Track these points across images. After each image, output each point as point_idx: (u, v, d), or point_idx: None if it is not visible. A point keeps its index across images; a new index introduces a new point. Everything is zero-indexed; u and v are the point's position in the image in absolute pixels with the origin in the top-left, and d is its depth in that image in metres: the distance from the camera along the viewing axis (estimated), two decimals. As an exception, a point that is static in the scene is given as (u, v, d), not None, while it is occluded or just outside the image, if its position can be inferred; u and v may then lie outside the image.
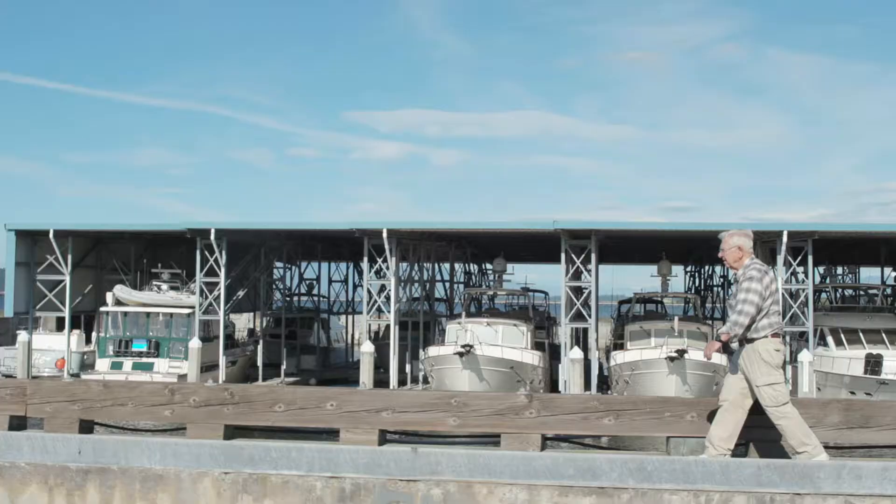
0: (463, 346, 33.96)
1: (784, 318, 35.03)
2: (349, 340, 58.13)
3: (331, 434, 9.18)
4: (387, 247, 36.71)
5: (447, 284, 51.58)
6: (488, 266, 59.74)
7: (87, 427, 9.13)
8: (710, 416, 8.36)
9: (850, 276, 45.55)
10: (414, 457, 7.28)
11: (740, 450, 8.21)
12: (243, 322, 60.60)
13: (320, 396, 8.79)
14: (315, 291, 54.66)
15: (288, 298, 50.78)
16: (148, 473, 7.57)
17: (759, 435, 8.16)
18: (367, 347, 37.39)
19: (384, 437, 8.64)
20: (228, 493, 7.44)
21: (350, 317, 57.36)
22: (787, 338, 36.05)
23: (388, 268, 37.49)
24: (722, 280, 50.90)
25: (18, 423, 9.26)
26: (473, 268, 57.25)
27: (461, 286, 54.57)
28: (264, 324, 51.52)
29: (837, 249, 43.25)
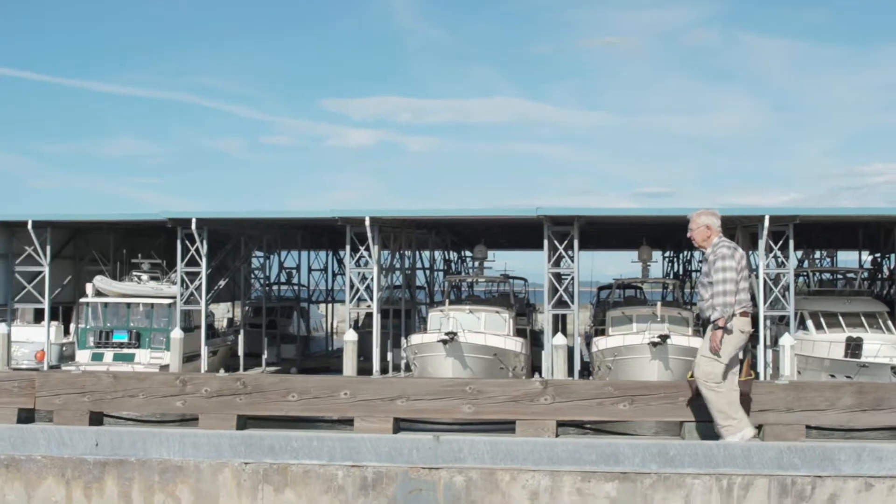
0: (447, 334, 33.95)
1: (766, 302, 35.36)
2: (329, 329, 58.01)
3: (342, 423, 9.19)
4: (369, 235, 36.60)
5: (427, 272, 51.52)
6: (467, 253, 59.80)
7: (96, 419, 9.09)
8: (724, 401, 8.42)
9: (828, 260, 45.87)
10: (436, 444, 7.30)
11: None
12: (221, 312, 60.37)
13: (334, 385, 8.80)
14: (294, 280, 54.52)
15: (267, 287, 50.54)
16: (167, 465, 7.55)
17: (774, 418, 8.24)
18: (351, 336, 37.29)
19: (398, 426, 8.66)
20: (249, 483, 7.43)
21: (329, 305, 57.21)
22: (768, 322, 36.28)
23: (370, 256, 37.40)
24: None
25: (26, 416, 9.21)
26: (453, 255, 57.22)
27: (440, 274, 54.58)
28: (244, 313, 51.33)
29: (815, 234, 43.48)
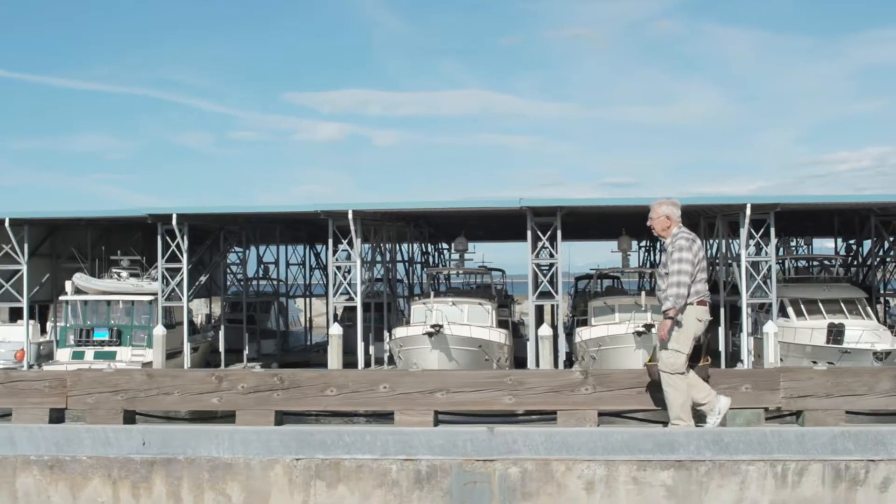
0: (432, 326, 33.96)
1: (748, 290, 35.63)
2: (307, 324, 57.81)
3: (379, 417, 9.17)
4: (352, 228, 36.53)
5: (406, 265, 51.49)
6: (444, 245, 59.83)
7: (129, 417, 9.02)
8: (763, 386, 8.50)
9: (806, 247, 46.32)
10: (490, 436, 7.30)
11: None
12: (197, 307, 59.97)
13: (372, 379, 8.78)
14: (271, 274, 54.27)
15: (243, 282, 50.25)
16: (216, 462, 7.49)
17: (813, 404, 8.31)
18: (336, 330, 37.18)
19: (437, 418, 8.65)
20: (301, 479, 7.40)
21: (307, 300, 57.03)
22: (749, 310, 36.57)
23: (353, 249, 37.32)
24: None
25: (58, 416, 9.13)
26: (430, 247, 57.22)
27: (418, 266, 54.57)
28: (222, 309, 51.07)
29: (790, 221, 43.86)
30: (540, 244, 36.23)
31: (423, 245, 54.49)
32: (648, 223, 8.67)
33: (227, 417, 9.04)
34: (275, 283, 53.62)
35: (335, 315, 55.54)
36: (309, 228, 51.62)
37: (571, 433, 7.30)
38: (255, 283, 51.95)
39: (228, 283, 50.94)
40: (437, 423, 8.52)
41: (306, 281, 55.31)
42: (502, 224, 49.56)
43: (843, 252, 48.86)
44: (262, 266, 53.01)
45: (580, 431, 7.43)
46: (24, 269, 40.21)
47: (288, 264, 53.44)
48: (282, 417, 8.81)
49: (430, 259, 56.87)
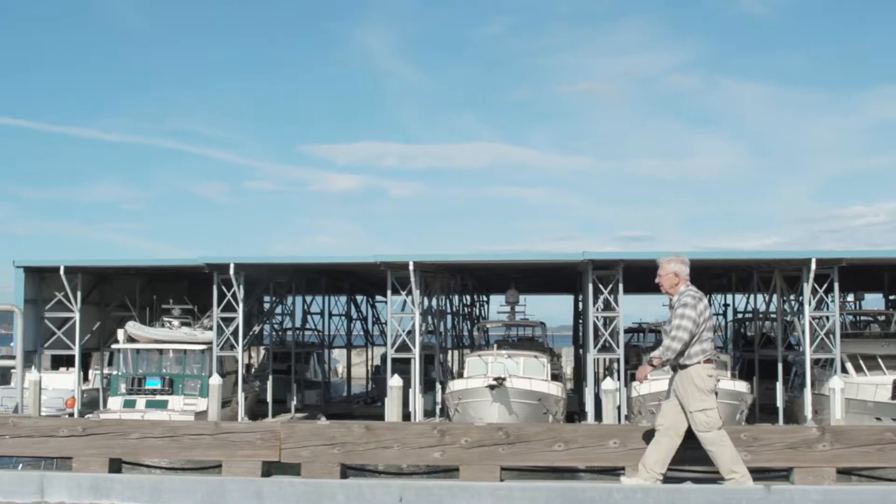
0: (495, 379, 33.72)
1: (812, 345, 35.36)
2: (348, 374, 57.59)
3: (599, 472, 8.98)
4: (412, 279, 36.46)
5: (452, 317, 51.35)
6: (484, 298, 59.84)
7: (345, 472, 8.83)
8: None
9: (858, 302, 46.10)
10: (766, 494, 7.10)
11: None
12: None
13: (602, 434, 8.61)
14: (310, 325, 54.17)
15: (295, 332, 50.15)
16: (477, 519, 7.29)
17: None
18: (396, 381, 36.85)
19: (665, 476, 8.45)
20: (567, 537, 7.19)
21: (349, 350, 56.87)
22: (810, 366, 36.28)
23: (412, 300, 37.24)
24: (724, 308, 51.24)
25: (268, 470, 8.95)
26: (472, 299, 57.17)
27: (458, 318, 54.44)
28: (262, 358, 50.99)
29: (841, 276, 43.74)
30: (601, 297, 36.03)
31: (465, 297, 54.42)
32: (657, 280, 8.64)
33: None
34: (317, 333, 53.48)
35: (377, 367, 55.44)
36: (350, 280, 51.64)
37: (853, 491, 7.11)
38: (300, 333, 51.84)
39: (266, 332, 50.86)
40: (668, 479, 8.32)
41: (348, 331, 55.20)
42: (546, 277, 49.49)
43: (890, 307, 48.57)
44: (311, 316, 52.93)
45: (861, 489, 7.24)
46: (77, 316, 40.18)
47: (330, 315, 53.30)
48: (501, 474, 8.63)
49: (476, 311, 56.81)
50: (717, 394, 8.32)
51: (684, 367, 8.21)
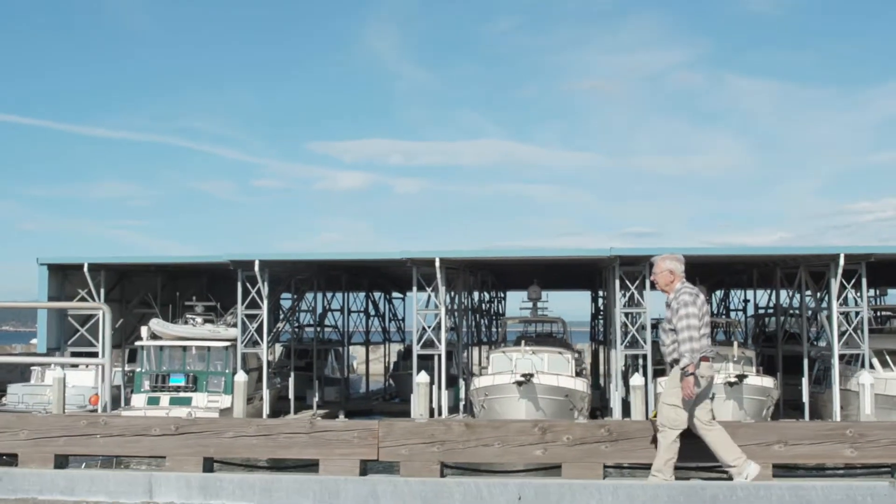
0: (523, 375, 33.68)
1: (840, 340, 35.26)
2: (367, 370, 57.60)
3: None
4: (438, 276, 36.40)
5: (472, 314, 51.28)
6: (500, 294, 59.75)
7: (443, 471, 8.77)
8: None
9: (882, 297, 46.00)
10: (892, 491, 7.05)
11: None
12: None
13: (706, 432, 8.52)
14: (328, 321, 54.12)
15: (313, 329, 50.09)
16: (597, 517, 7.24)
17: None
18: (423, 378, 36.77)
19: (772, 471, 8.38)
20: (688, 536, 7.13)
21: (367, 347, 56.87)
22: (834, 361, 36.22)
23: (438, 297, 37.17)
24: (743, 305, 51.13)
25: (365, 468, 8.89)
26: (491, 295, 57.13)
27: (477, 315, 54.36)
28: (279, 355, 50.93)
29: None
30: (628, 293, 35.96)
31: (484, 293, 54.37)
32: (652, 278, 8.72)
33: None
34: (337, 330, 53.45)
35: (395, 363, 55.39)
36: (370, 277, 51.58)
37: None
38: (321, 330, 51.79)
39: (282, 329, 50.80)
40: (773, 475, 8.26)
41: (367, 328, 55.19)
42: (564, 274, 49.42)
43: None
44: (332, 313, 52.87)
45: None
46: (102, 313, 40.02)
47: (349, 311, 53.24)
48: (603, 470, 8.57)
49: (494, 307, 56.74)
50: (714, 395, 8.30)
51: (679, 362, 8.18)
